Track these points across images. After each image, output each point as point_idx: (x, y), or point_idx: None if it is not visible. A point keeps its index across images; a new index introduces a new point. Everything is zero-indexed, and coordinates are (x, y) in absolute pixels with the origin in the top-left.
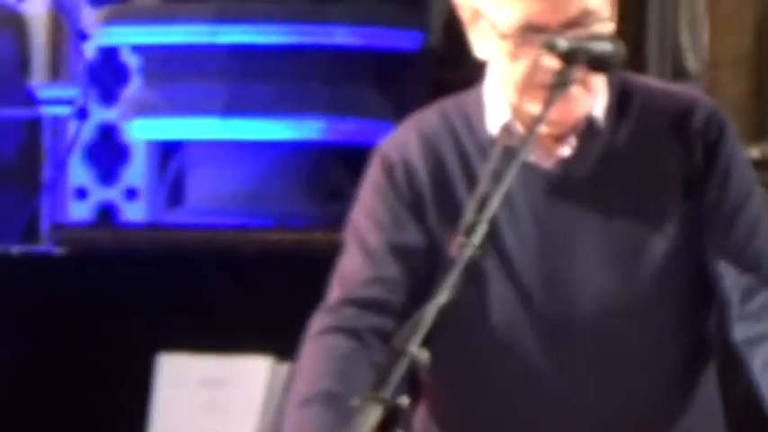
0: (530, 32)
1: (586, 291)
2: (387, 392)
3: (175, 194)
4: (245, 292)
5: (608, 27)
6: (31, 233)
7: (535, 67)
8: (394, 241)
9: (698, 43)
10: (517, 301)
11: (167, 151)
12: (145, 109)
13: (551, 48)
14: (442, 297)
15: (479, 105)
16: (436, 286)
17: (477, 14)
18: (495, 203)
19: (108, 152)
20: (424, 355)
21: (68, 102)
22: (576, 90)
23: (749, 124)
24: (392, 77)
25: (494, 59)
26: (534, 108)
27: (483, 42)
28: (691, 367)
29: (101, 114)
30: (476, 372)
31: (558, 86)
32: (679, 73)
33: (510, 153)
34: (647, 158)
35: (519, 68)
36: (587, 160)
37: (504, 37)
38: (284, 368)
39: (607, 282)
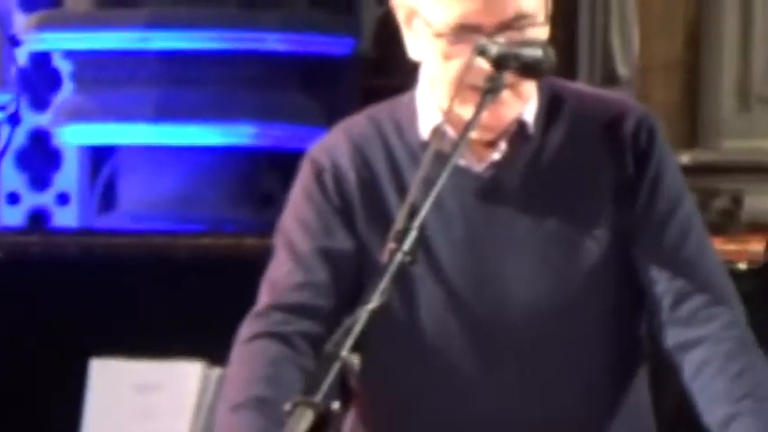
0: (464, 32)
1: (516, 295)
2: (318, 397)
3: (107, 199)
4: (176, 296)
5: (543, 32)
6: None
7: (468, 67)
8: (323, 246)
9: (628, 48)
10: (446, 304)
11: (99, 157)
12: (76, 114)
13: (482, 52)
14: (373, 302)
15: (411, 110)
16: (366, 291)
17: (412, 14)
18: (425, 209)
19: (40, 157)
20: (354, 360)
21: (0, 107)
22: (506, 95)
23: (680, 130)
24: (323, 83)
25: (427, 60)
26: (466, 111)
27: (417, 42)
28: (622, 372)
29: (33, 120)
30: (405, 376)
31: (488, 91)
32: (609, 78)
33: (441, 157)
34: (577, 163)
35: (452, 68)
36: (518, 164)
37: (439, 35)
38: (216, 373)
39: (537, 286)
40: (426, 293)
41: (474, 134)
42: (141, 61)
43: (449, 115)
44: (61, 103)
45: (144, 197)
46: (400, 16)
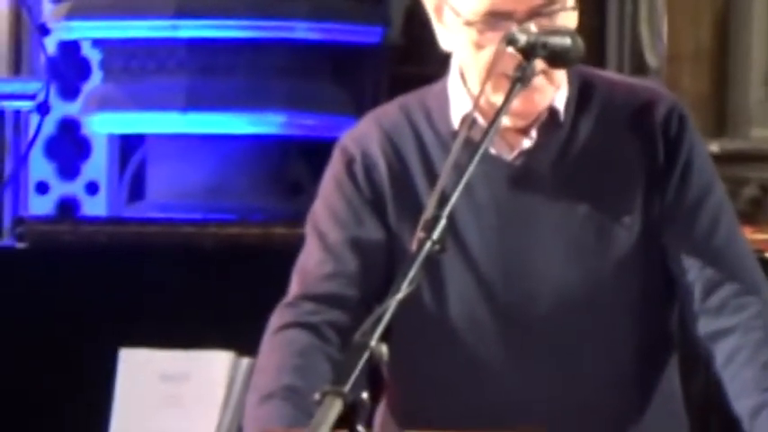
0: (494, 20)
1: (547, 282)
2: (347, 387)
3: (136, 189)
4: (205, 286)
5: (573, 16)
6: None
7: (499, 54)
8: (353, 236)
9: (657, 37)
10: (477, 293)
11: (128, 146)
12: (106, 103)
13: (511, 42)
14: (403, 292)
15: (442, 99)
16: (396, 281)
17: (441, 4)
18: (455, 197)
19: (69, 146)
20: (383, 350)
21: (30, 96)
22: (539, 81)
23: (709, 118)
24: (352, 72)
25: (458, 50)
26: (498, 99)
27: (447, 33)
28: (652, 361)
29: (62, 108)
30: (434, 365)
31: (518, 80)
32: (639, 67)
33: (471, 146)
34: (608, 151)
35: (483, 57)
36: (548, 152)
37: (469, 24)
38: (245, 362)
39: (568, 274)
40: (456, 282)
41: (507, 121)
42: (170, 50)
43: (479, 103)
44: (90, 92)
45: (173, 186)
46: (429, 8)
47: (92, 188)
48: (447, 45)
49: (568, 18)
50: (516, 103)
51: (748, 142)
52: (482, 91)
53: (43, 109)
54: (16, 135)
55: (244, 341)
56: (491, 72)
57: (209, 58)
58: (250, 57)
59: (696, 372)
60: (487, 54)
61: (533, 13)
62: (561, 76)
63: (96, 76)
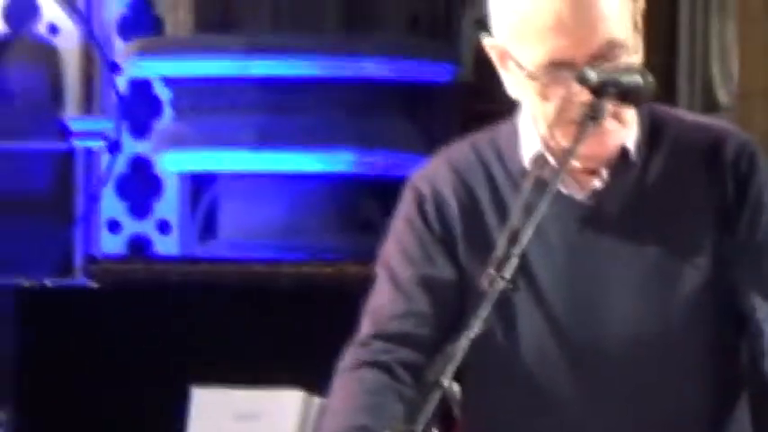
0: (557, 69)
1: (617, 322)
2: (418, 426)
3: (208, 227)
4: (277, 325)
5: (635, 59)
6: (64, 265)
7: (567, 103)
8: (424, 275)
9: (728, 75)
10: (548, 332)
11: (199, 184)
12: (177, 141)
13: (582, 81)
14: (474, 330)
15: (513, 137)
16: (467, 319)
17: (504, 55)
18: (526, 236)
19: (140, 185)
20: (455, 389)
21: (101, 134)
22: (609, 123)
23: None
24: (423, 109)
25: (525, 99)
26: (567, 144)
27: (513, 82)
28: (722, 401)
29: (133, 147)
30: (505, 404)
31: (589, 119)
32: (710, 105)
33: (542, 185)
34: (678, 191)
35: (550, 107)
36: (620, 192)
37: (532, 77)
38: (316, 402)
39: (638, 313)
40: (527, 321)
41: (577, 163)
42: (241, 88)
43: (550, 146)
44: (161, 131)
45: (244, 225)
46: (494, 57)
47: (163, 227)
48: (514, 93)
49: (631, 60)
50: (587, 146)
51: None
52: (551, 136)
53: (114, 147)
54: (88, 174)
55: (315, 380)
56: (560, 120)
57: (279, 96)
58: (320, 95)
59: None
60: (554, 103)
61: (596, 58)
62: (632, 115)
63: (167, 115)
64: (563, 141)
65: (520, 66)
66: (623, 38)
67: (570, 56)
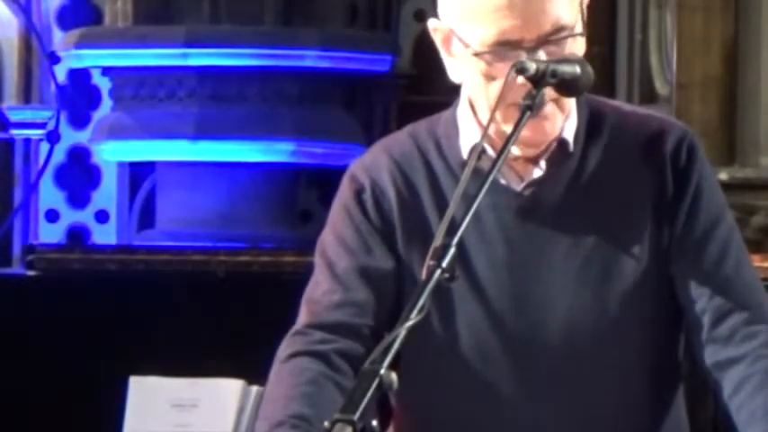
0: (503, 49)
1: (556, 312)
2: (356, 415)
3: (146, 217)
4: (215, 314)
5: (581, 43)
6: (2, 255)
7: (509, 84)
8: (362, 265)
9: (667, 66)
10: (487, 323)
11: (138, 174)
12: (115, 132)
13: (521, 71)
14: (412, 320)
15: (452, 128)
16: (405, 309)
17: (450, 36)
18: (464, 226)
19: (79, 175)
20: (393, 377)
21: (40, 125)
22: (550, 109)
23: (718, 147)
24: (361, 100)
25: (468, 81)
26: (508, 128)
27: (457, 64)
28: (659, 392)
29: (72, 137)
30: (443, 394)
31: (528, 108)
32: (648, 96)
33: (480, 175)
34: (617, 182)
35: (493, 88)
36: (558, 182)
37: (478, 55)
38: (254, 391)
39: (577, 304)
40: (465, 311)
41: (516, 151)
42: (180, 78)
43: (488, 133)
44: (100, 121)
45: (182, 214)
46: (438, 40)
47: (102, 216)
48: (456, 77)
49: (577, 45)
50: (526, 132)
51: (758, 170)
52: (491, 120)
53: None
54: (26, 163)
55: (253, 369)
56: (501, 101)
57: (218, 86)
58: (260, 85)
59: (703, 403)
60: (497, 85)
61: (542, 41)
62: (571, 104)
63: (106, 105)
64: (503, 124)
65: (466, 44)
66: (570, 21)
67: (518, 36)
